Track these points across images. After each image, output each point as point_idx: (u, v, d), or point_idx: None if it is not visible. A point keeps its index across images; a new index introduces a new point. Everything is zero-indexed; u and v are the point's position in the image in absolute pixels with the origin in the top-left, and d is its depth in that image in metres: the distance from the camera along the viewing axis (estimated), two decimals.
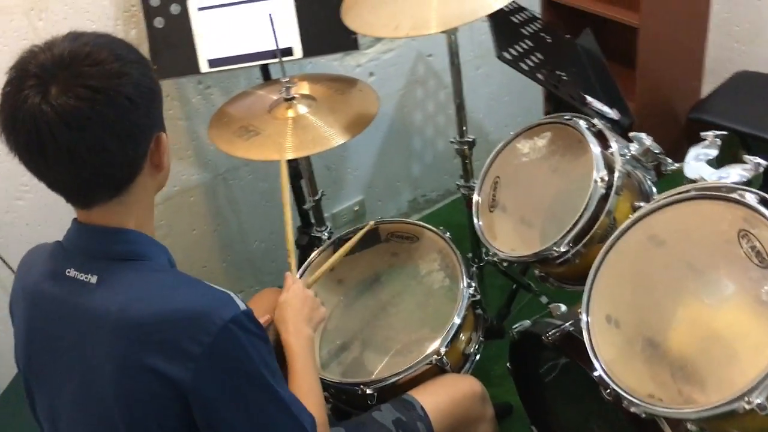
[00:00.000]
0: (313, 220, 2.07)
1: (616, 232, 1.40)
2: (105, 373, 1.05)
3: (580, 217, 1.48)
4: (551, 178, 1.61)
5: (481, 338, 1.68)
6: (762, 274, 1.18)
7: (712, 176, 1.40)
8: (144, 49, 1.87)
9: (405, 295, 1.74)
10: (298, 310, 1.42)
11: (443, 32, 1.77)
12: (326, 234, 2.00)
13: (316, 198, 1.97)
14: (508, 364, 1.68)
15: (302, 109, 1.80)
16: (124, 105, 1.00)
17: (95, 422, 1.09)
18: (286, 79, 1.77)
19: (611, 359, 1.30)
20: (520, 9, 2.24)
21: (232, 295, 1.09)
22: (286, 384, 1.22)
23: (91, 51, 1.00)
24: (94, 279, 1.07)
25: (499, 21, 2.01)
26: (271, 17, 1.74)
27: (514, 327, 1.62)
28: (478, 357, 1.67)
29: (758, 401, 1.07)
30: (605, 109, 1.90)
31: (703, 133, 1.46)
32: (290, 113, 1.79)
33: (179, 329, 1.02)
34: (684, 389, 1.21)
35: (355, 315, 1.77)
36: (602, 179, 1.47)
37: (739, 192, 1.26)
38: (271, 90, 1.90)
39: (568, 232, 1.49)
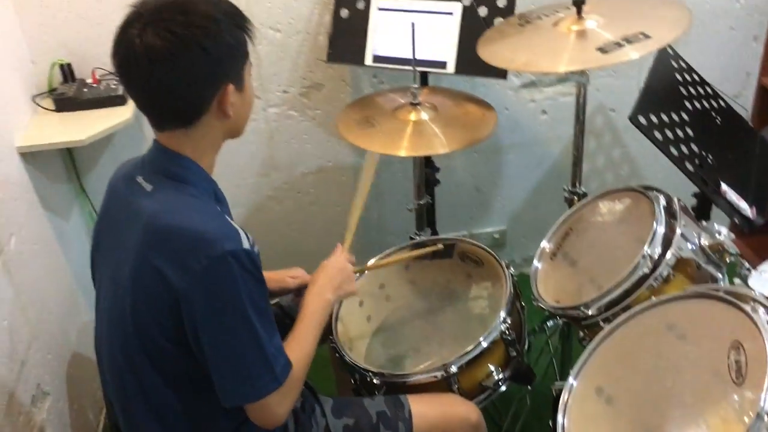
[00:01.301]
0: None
1: (635, 309, 1.34)
2: (129, 261, 1.28)
3: (617, 285, 1.43)
4: (615, 242, 1.58)
5: (505, 377, 1.68)
6: (734, 392, 1.09)
7: None
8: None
9: (447, 311, 1.80)
10: (330, 276, 1.55)
11: (573, 78, 1.78)
12: (418, 238, 2.10)
13: (420, 203, 2.07)
14: (550, 422, 1.66)
15: (424, 115, 1.92)
16: (195, 52, 1.20)
17: (114, 298, 1.34)
18: (416, 86, 1.91)
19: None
20: (702, 83, 2.14)
21: (243, 234, 1.25)
22: (276, 330, 1.33)
23: (189, 3, 1.22)
24: (149, 188, 1.31)
25: (658, 85, 1.94)
26: (413, 27, 1.87)
27: (555, 383, 1.60)
28: (496, 394, 1.67)
29: None
30: (741, 204, 1.78)
31: None
32: (412, 116, 1.93)
33: (187, 245, 1.21)
34: None
35: (410, 316, 1.88)
36: (650, 256, 1.42)
37: (754, 305, 1.16)
38: (402, 95, 2.05)
39: (601, 297, 1.45)
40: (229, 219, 1.29)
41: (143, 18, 1.19)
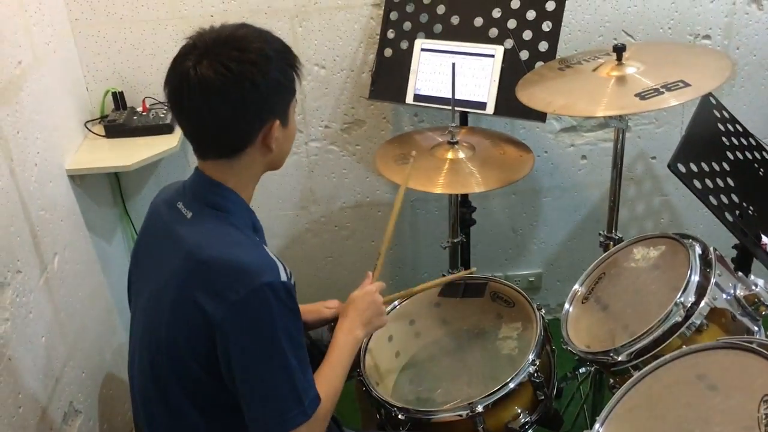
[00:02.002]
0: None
1: (665, 357, 1.32)
2: (168, 290, 1.31)
3: (646, 332, 1.41)
4: (648, 288, 1.56)
5: (532, 420, 1.66)
6: None
7: None
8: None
9: (476, 350, 1.79)
10: (361, 310, 1.55)
11: (612, 123, 1.79)
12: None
13: (455, 240, 2.08)
14: None
15: (461, 154, 1.94)
16: (246, 86, 1.23)
17: (151, 323, 1.36)
18: (454, 125, 1.94)
19: None
20: (746, 134, 2.12)
21: (281, 266, 1.28)
22: (309, 364, 1.33)
23: (243, 39, 1.26)
24: (189, 215, 1.34)
25: (699, 134, 1.93)
26: (453, 68, 1.91)
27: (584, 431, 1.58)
28: None
29: None
30: None
31: None
32: (450, 155, 1.95)
33: (226, 276, 1.24)
34: None
35: (439, 353, 1.88)
36: (683, 305, 1.40)
37: None
38: (440, 133, 2.08)
39: (631, 343, 1.43)
40: (267, 250, 1.31)
41: (199, 50, 1.24)
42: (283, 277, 1.25)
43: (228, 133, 1.28)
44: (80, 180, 2.06)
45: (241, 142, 1.29)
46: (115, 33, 2.21)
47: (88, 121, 2.21)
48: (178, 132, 2.15)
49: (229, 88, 1.23)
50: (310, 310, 1.75)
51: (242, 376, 1.25)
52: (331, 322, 1.70)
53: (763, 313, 1.43)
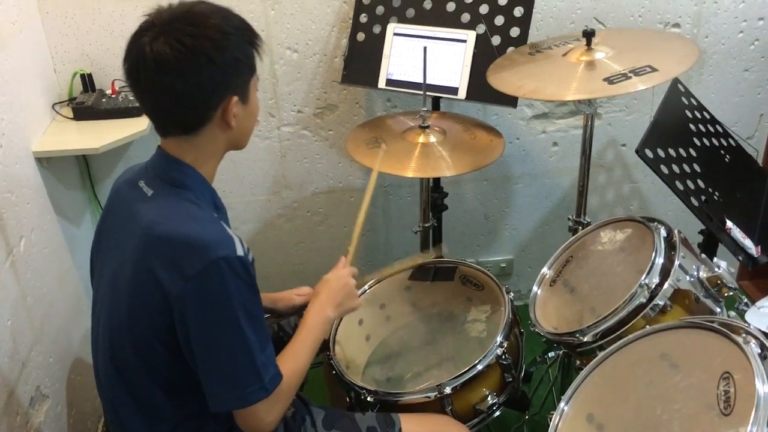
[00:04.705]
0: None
1: (629, 337, 1.34)
2: (127, 268, 1.30)
3: (612, 313, 1.43)
4: (614, 271, 1.58)
5: (500, 402, 1.67)
6: (721, 422, 1.08)
7: None
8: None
9: (446, 333, 1.80)
10: (333, 291, 1.56)
11: (581, 108, 1.80)
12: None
13: (426, 225, 2.09)
14: None
15: (432, 138, 1.95)
16: (201, 62, 1.23)
17: (112, 300, 1.36)
18: (425, 109, 1.94)
19: None
20: (713, 121, 2.15)
21: (238, 241, 1.27)
22: (269, 340, 1.33)
23: (200, 14, 1.26)
24: (150, 192, 1.34)
25: (667, 121, 1.95)
26: (425, 52, 1.90)
27: (552, 413, 1.60)
28: (490, 419, 1.66)
29: None
30: (746, 242, 1.77)
31: None
32: (421, 139, 1.95)
33: (182, 250, 1.23)
34: None
35: (409, 337, 1.89)
36: (648, 286, 1.42)
37: (746, 337, 1.15)
38: (412, 118, 2.08)
39: (596, 324, 1.45)
40: (225, 225, 1.31)
41: (155, 27, 1.24)
42: (240, 252, 1.25)
43: (185, 110, 1.27)
44: (47, 162, 2.04)
45: (199, 118, 1.29)
46: (83, 14, 2.17)
47: (55, 103, 2.18)
48: None
49: (185, 64, 1.22)
50: (281, 298, 1.75)
51: (200, 351, 1.25)
52: (302, 311, 1.70)
53: (726, 294, 1.46)
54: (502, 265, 2.80)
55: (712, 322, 1.25)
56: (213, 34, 1.24)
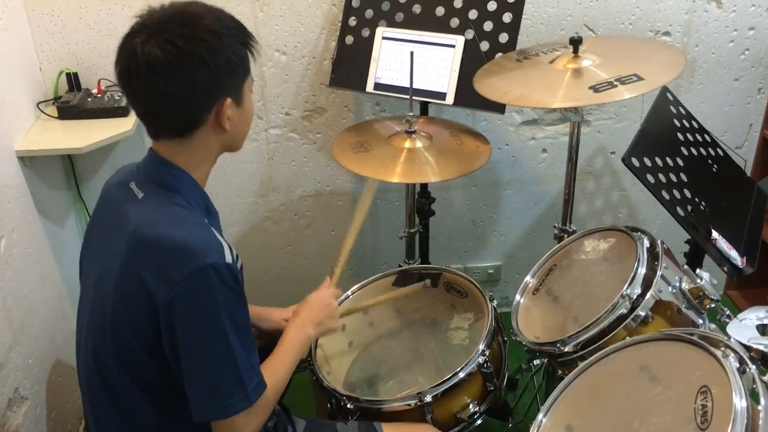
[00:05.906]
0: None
1: (609, 348, 1.33)
2: (113, 271, 1.29)
3: (593, 323, 1.42)
4: (597, 280, 1.57)
5: (481, 410, 1.66)
6: None
7: (750, 341, 1.29)
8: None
9: (429, 340, 1.79)
10: (314, 311, 1.56)
11: (567, 115, 1.79)
12: (405, 265, 2.10)
13: (412, 231, 2.07)
14: None
15: (419, 143, 1.94)
16: (194, 63, 1.21)
17: (96, 302, 1.35)
18: (412, 114, 1.93)
19: None
20: (701, 131, 2.14)
21: (227, 248, 1.26)
22: (255, 350, 1.32)
23: (193, 15, 1.24)
24: (141, 195, 1.32)
25: (655, 129, 1.95)
26: (411, 56, 1.89)
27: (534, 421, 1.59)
28: (471, 428, 1.65)
29: None
30: (732, 252, 1.77)
31: None
32: (407, 144, 1.94)
33: (169, 256, 1.22)
34: None
35: (393, 343, 1.87)
36: (629, 297, 1.41)
37: (725, 350, 1.14)
38: (399, 122, 2.07)
39: (577, 334, 1.44)
40: (214, 232, 1.29)
41: (147, 29, 1.22)
42: (228, 259, 1.23)
43: (178, 112, 1.26)
44: (31, 162, 2.02)
45: (192, 121, 1.27)
46: (70, 12, 2.16)
47: (40, 102, 2.16)
48: (133, 115, 2.11)
49: (177, 66, 1.20)
50: (267, 317, 1.72)
51: (184, 358, 1.23)
52: None
53: (708, 306, 1.45)
54: (490, 271, 2.78)
55: (692, 335, 1.24)
56: (206, 35, 1.22)
